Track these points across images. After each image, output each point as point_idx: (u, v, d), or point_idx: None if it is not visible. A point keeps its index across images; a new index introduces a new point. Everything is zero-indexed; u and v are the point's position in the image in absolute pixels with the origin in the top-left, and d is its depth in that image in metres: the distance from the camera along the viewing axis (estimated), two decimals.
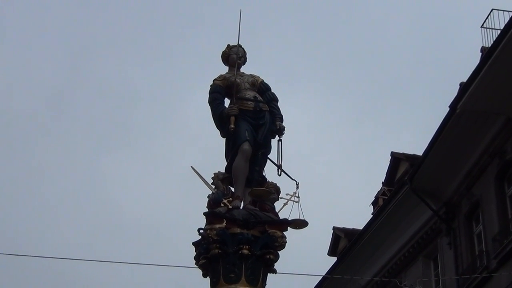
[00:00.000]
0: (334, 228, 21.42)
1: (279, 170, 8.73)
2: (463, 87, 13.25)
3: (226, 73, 9.39)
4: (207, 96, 9.22)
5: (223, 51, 9.55)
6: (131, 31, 43.24)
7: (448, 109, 13.82)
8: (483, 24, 15.24)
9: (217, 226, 8.13)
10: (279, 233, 8.24)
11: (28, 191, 40.10)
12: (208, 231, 8.14)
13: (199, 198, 8.81)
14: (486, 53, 12.78)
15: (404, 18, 43.13)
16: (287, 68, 40.53)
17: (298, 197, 8.54)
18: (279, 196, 8.73)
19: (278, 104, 9.25)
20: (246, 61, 9.57)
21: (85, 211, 40.16)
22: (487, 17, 15.07)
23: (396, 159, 18.83)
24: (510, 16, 12.44)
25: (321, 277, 17.66)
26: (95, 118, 42.37)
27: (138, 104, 43.08)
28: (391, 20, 42.42)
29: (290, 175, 8.70)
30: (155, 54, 42.67)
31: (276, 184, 8.82)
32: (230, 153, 8.84)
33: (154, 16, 42.27)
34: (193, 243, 8.45)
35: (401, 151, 18.74)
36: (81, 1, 41.84)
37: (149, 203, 41.09)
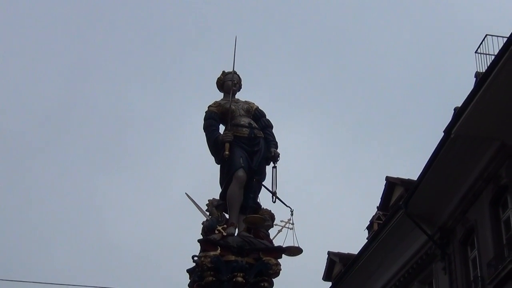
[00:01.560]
0: (329, 252, 21.40)
1: (274, 197, 8.75)
2: (458, 112, 13.35)
3: (221, 99, 9.47)
4: (202, 122, 9.27)
5: (218, 78, 9.64)
6: (127, 53, 43.40)
7: (443, 134, 13.90)
8: (477, 50, 15.40)
9: (211, 253, 8.14)
10: (273, 260, 8.26)
11: (20, 214, 39.96)
12: (202, 258, 8.15)
13: (193, 224, 8.87)
14: (481, 78, 12.90)
15: (399, 44, 43.47)
16: (283, 95, 40.71)
17: (292, 224, 8.57)
18: (274, 223, 8.76)
19: (273, 130, 9.32)
20: (241, 87, 9.66)
21: (77, 236, 39.99)
22: (481, 43, 15.24)
23: (391, 183, 18.89)
24: (504, 42, 12.56)
25: None
26: (90, 141, 42.42)
27: (133, 128, 43.12)
28: (387, 46, 42.71)
29: (284, 202, 8.74)
30: (151, 79, 42.80)
31: (270, 211, 8.86)
32: (225, 179, 8.86)
33: (151, 41, 42.45)
34: (187, 271, 8.49)
35: (396, 176, 18.82)
36: (78, 23, 42.06)
37: (143, 228, 41.00)
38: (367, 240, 18.81)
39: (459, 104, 13.24)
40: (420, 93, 43.06)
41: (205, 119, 9.25)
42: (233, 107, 9.18)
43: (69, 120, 43.24)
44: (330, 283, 20.31)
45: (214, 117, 9.20)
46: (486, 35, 15.15)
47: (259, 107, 9.43)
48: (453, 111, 14.89)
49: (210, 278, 8.06)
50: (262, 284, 8.17)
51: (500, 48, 12.60)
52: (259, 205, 8.89)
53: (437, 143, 14.26)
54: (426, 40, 42.66)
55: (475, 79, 15.44)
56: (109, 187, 41.61)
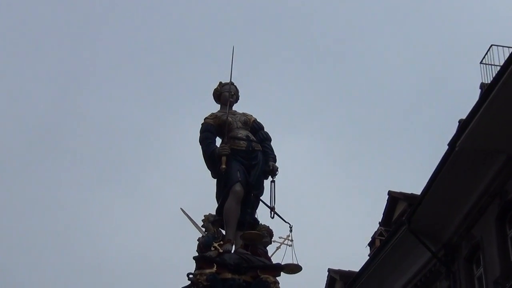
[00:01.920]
0: (329, 270, 21.29)
1: (272, 213, 8.70)
2: (462, 124, 13.29)
3: (218, 111, 9.44)
4: (198, 135, 9.23)
5: (214, 89, 9.64)
6: (121, 65, 43.40)
7: (447, 147, 13.83)
8: (482, 60, 15.37)
9: (207, 271, 8.06)
10: (272, 278, 8.18)
11: (8, 229, 39.78)
12: (198, 276, 8.07)
13: (188, 241, 8.81)
14: (486, 89, 12.84)
15: (401, 54, 43.47)
16: (282, 106, 40.66)
17: (291, 240, 8.52)
18: (272, 240, 8.72)
19: (272, 143, 9.30)
20: (238, 99, 9.64)
21: (68, 252, 39.81)
22: (486, 53, 15.21)
23: (394, 198, 18.81)
24: (510, 52, 12.54)
25: None
26: (81, 153, 42.27)
27: (126, 140, 43.04)
28: (389, 57, 42.73)
29: (283, 218, 8.68)
30: (145, 89, 42.79)
31: (269, 227, 8.82)
32: (221, 194, 8.81)
33: (145, 49, 42.48)
34: None
35: (398, 190, 18.74)
36: (70, 30, 42.04)
37: (137, 245, 40.83)
38: (368, 257, 18.70)
39: (464, 116, 13.18)
40: (423, 105, 43.08)
41: (201, 131, 9.22)
42: (230, 119, 9.16)
43: (59, 131, 43.21)
44: None
45: (211, 129, 9.17)
46: (491, 45, 15.14)
47: (257, 119, 9.42)
48: (457, 124, 14.83)
49: None
50: None
51: (505, 58, 12.56)
52: (257, 221, 8.84)
53: (441, 157, 14.19)
54: (429, 50, 42.72)
55: (480, 90, 15.40)
56: (101, 201, 41.53)
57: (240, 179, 8.71)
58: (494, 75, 13.18)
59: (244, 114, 9.40)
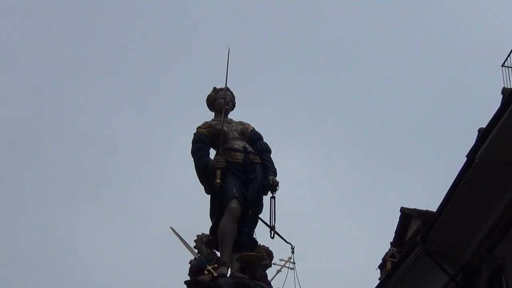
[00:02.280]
0: None
1: (272, 232, 8.75)
2: (482, 133, 13.32)
3: (212, 119, 9.47)
4: (190, 146, 9.27)
5: (208, 95, 9.65)
6: (103, 70, 43.34)
7: (465, 159, 13.85)
8: (504, 63, 15.41)
9: None
10: None
11: None
12: None
13: (179, 263, 8.84)
14: (508, 95, 12.88)
15: (414, 57, 43.42)
16: (283, 114, 40.57)
17: (293, 263, 8.63)
18: (272, 262, 8.76)
19: (272, 155, 9.33)
20: (234, 106, 9.67)
21: (49, 276, 39.69)
22: (508, 56, 15.25)
23: (407, 215, 18.82)
24: None
25: None
26: (63, 168, 42.14)
27: (110, 153, 42.91)
28: (400, 60, 42.65)
29: (284, 238, 8.74)
30: (131, 98, 42.68)
31: (268, 248, 8.85)
32: (216, 212, 8.85)
33: (130, 54, 42.43)
34: None
35: (412, 207, 18.73)
36: (50, 33, 42.00)
37: (122, 268, 40.67)
38: (379, 281, 18.70)
39: (484, 124, 13.21)
40: (439, 113, 43.07)
41: (194, 142, 9.24)
42: (226, 128, 9.20)
43: (37, 143, 43.08)
44: None
45: (204, 140, 9.21)
46: None
47: (255, 129, 9.44)
48: (477, 133, 14.88)
49: None
50: None
51: None
52: (255, 241, 8.88)
53: (459, 169, 14.20)
54: (446, 53, 42.69)
55: (502, 95, 15.44)
56: (84, 220, 41.41)
57: (236, 195, 8.75)
58: None
59: (241, 123, 9.43)
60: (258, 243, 8.85)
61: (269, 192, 9.01)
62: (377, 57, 42.85)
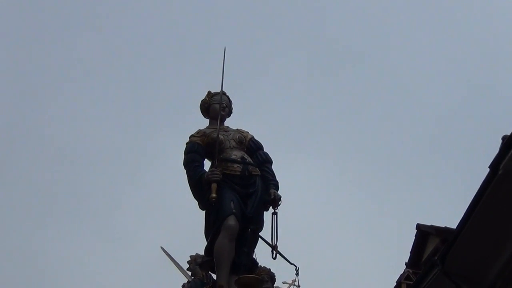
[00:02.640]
0: None
1: (274, 252, 8.77)
2: (507, 141, 13.32)
3: (207, 127, 9.51)
4: (182, 157, 9.29)
5: (202, 100, 9.69)
6: (87, 73, 43.19)
7: (488, 169, 13.85)
8: None
9: None
10: None
11: None
12: None
13: (171, 287, 8.79)
14: None
15: (433, 59, 43.23)
16: (286, 122, 40.38)
17: (298, 286, 8.62)
18: (274, 285, 8.78)
19: (273, 167, 9.37)
20: (231, 112, 9.73)
21: None
22: None
23: (423, 233, 18.76)
24: None
25: None
26: (39, 183, 41.98)
27: (91, 165, 42.74)
28: (418, 63, 42.50)
29: (288, 258, 8.76)
30: (117, 105, 42.54)
31: (270, 269, 8.88)
32: (211, 230, 8.88)
33: (116, 56, 42.31)
34: None
35: (429, 223, 18.69)
36: (26, 40, 41.97)
37: None
38: None
39: (509, 132, 13.21)
40: (459, 119, 42.96)
41: (186, 152, 9.28)
42: (222, 137, 9.24)
43: (11, 154, 43.01)
44: None
45: (198, 150, 9.25)
46: None
47: (255, 137, 9.49)
48: (501, 141, 14.86)
49: None
50: None
51: None
52: (255, 262, 8.91)
53: (482, 182, 14.20)
54: (467, 54, 42.65)
55: None
56: (63, 241, 41.22)
57: (234, 211, 8.77)
58: None
59: (238, 131, 9.47)
60: (259, 264, 8.88)
61: (271, 207, 9.03)
62: (391, 58, 42.73)
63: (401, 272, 19.86)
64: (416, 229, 18.89)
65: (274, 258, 8.77)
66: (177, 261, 8.98)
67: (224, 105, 9.53)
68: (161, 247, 9.12)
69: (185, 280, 8.75)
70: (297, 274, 8.63)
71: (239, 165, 9.09)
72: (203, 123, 9.65)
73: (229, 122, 9.63)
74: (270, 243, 8.82)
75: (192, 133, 9.43)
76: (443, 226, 18.12)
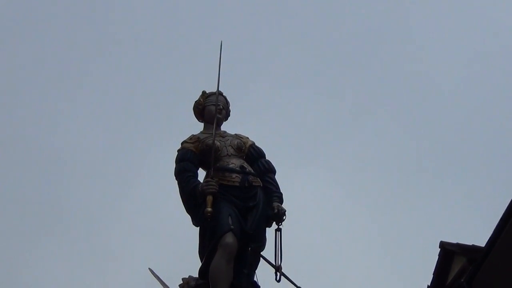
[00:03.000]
0: None
1: (278, 274, 8.70)
2: None
3: (201, 132, 9.47)
4: (173, 166, 9.23)
5: (196, 101, 9.64)
6: (68, 73, 43.27)
7: None
8: None
9: None
10: None
11: None
12: None
13: None
14: None
15: (459, 56, 43.28)
16: (292, 126, 40.36)
17: None
18: None
19: (277, 177, 9.32)
20: (229, 115, 9.70)
21: None
22: None
23: (448, 252, 18.69)
24: None
25: None
26: (18, 196, 42.06)
27: (72, 177, 42.76)
28: (442, 58, 42.42)
29: (293, 281, 8.72)
30: (102, 111, 42.53)
31: None
32: (207, 249, 8.78)
33: (99, 54, 42.32)
34: None
35: (454, 241, 18.62)
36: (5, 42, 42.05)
37: None
38: None
39: None
40: (488, 125, 42.97)
41: (178, 161, 9.22)
42: (218, 143, 9.18)
43: None
44: None
45: (191, 158, 9.19)
46: None
47: (255, 144, 9.45)
48: None
49: None
50: None
51: None
52: (256, 285, 8.84)
53: None
54: (500, 52, 42.63)
55: None
56: (44, 260, 41.29)
57: (232, 227, 8.68)
58: None
59: (237, 136, 9.42)
60: None
61: (274, 223, 8.96)
62: (411, 52, 42.65)
63: None
64: (439, 247, 18.82)
65: (278, 281, 8.70)
66: (167, 284, 8.90)
67: (221, 107, 9.50)
68: (149, 268, 9.08)
69: None
70: None
71: (238, 175, 9.02)
72: (197, 127, 9.60)
73: (227, 127, 9.61)
74: (274, 263, 8.76)
75: (185, 139, 9.37)
76: (470, 244, 18.02)
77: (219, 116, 9.45)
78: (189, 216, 9.06)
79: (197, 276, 8.79)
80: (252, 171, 9.16)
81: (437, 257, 19.00)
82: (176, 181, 9.15)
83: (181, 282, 8.81)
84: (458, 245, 18.51)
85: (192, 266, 8.90)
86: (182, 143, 9.33)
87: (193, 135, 9.40)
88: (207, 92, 9.62)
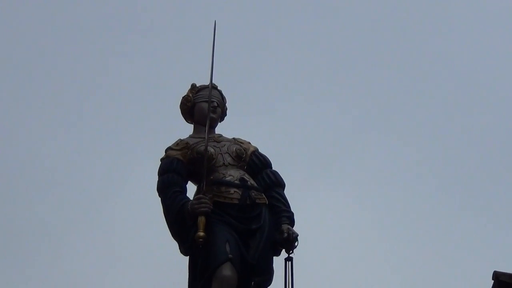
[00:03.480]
0: None
1: None
2: None
3: (190, 136, 9.23)
4: (155, 178, 8.95)
5: (183, 97, 9.38)
6: (34, 67, 43.17)
7: None
8: None
9: None
10: None
11: None
12: None
13: None
14: None
15: (497, 50, 42.94)
16: (304, 128, 39.87)
17: None
18: None
19: (286, 192, 9.03)
20: (225, 114, 9.44)
21: None
22: None
23: (502, 284, 18.19)
24: None
25: None
26: None
27: (49, 192, 42.60)
28: (477, 55, 42.12)
29: None
30: (75, 114, 42.31)
31: None
32: (199, 282, 8.51)
33: (69, 47, 42.21)
34: None
35: (509, 271, 18.18)
36: None
37: None
38: None
39: None
40: None
41: (161, 172, 8.95)
42: (212, 149, 8.91)
43: None
44: None
45: (177, 168, 8.91)
46: None
47: (259, 150, 9.16)
48: None
49: None
50: None
51: None
52: None
53: None
54: None
55: None
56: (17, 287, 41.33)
57: (230, 256, 8.39)
58: None
59: (236, 141, 9.18)
60: None
61: (283, 250, 8.65)
62: (447, 45, 42.33)
63: None
64: (492, 278, 18.31)
65: None
66: None
67: (215, 104, 9.17)
68: None
69: None
70: None
71: (237, 190, 8.68)
72: (186, 130, 9.27)
73: (223, 129, 9.26)
74: None
75: (170, 144, 9.04)
76: None
77: (213, 115, 9.13)
78: (176, 243, 8.73)
79: None
80: (255, 185, 8.84)
81: None
82: (160, 198, 8.82)
83: None
84: None
85: None
86: (166, 150, 9.01)
87: (180, 140, 9.08)
88: (197, 85, 9.31)
